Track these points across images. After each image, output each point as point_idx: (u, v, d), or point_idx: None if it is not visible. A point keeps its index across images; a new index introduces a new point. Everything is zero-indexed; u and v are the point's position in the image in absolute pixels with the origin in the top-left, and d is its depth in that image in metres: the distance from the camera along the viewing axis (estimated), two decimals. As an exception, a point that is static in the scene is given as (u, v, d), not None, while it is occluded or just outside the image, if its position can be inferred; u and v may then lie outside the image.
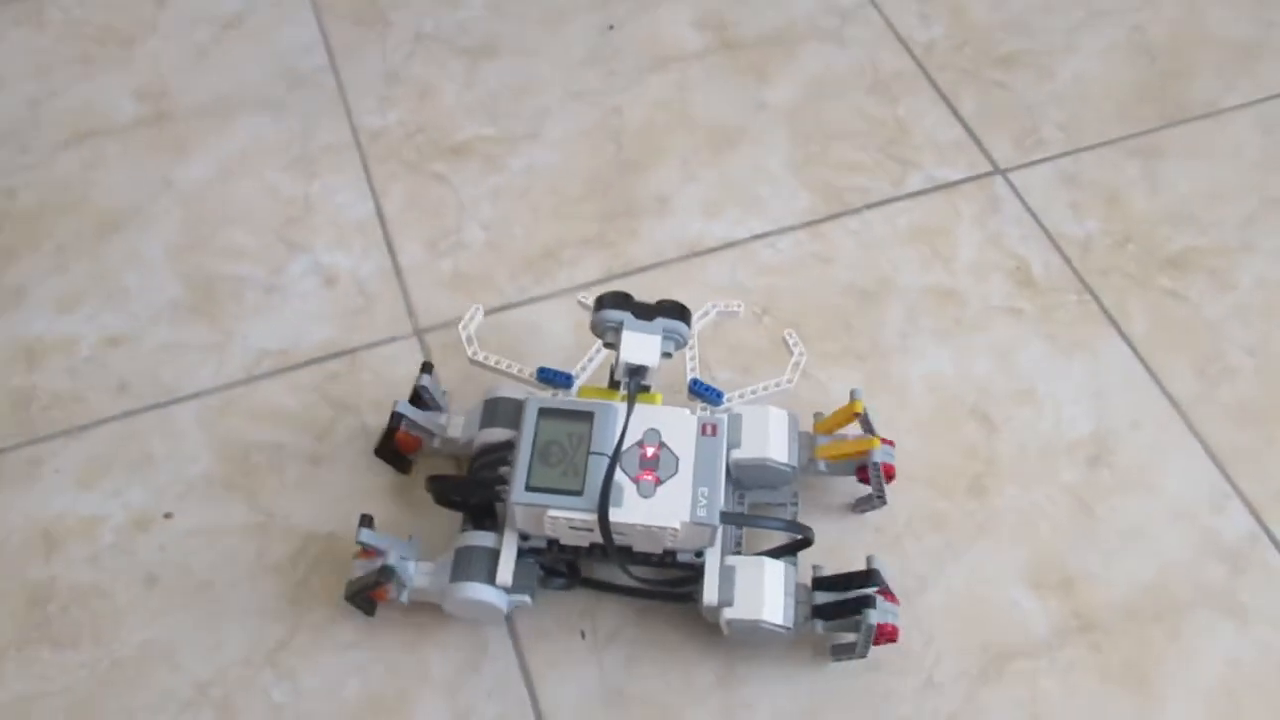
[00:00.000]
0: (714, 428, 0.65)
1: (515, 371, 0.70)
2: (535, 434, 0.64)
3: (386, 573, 0.63)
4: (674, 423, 0.65)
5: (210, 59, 0.96)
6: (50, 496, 0.73)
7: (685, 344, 0.68)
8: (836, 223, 0.87)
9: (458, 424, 0.71)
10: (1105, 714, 0.66)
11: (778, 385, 0.71)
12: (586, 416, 0.64)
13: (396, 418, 0.69)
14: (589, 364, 0.71)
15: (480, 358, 0.70)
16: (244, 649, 0.67)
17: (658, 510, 0.62)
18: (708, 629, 0.68)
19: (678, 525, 0.61)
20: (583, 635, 0.68)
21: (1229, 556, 0.72)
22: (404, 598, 0.65)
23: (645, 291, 0.82)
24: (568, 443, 0.64)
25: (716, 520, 0.62)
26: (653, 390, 0.68)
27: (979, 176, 0.90)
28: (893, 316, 0.82)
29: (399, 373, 0.78)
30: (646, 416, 0.65)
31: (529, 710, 0.66)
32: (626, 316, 0.66)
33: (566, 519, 0.62)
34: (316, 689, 0.66)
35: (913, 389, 0.78)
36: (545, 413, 0.65)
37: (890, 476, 0.70)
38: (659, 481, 0.63)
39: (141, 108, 0.93)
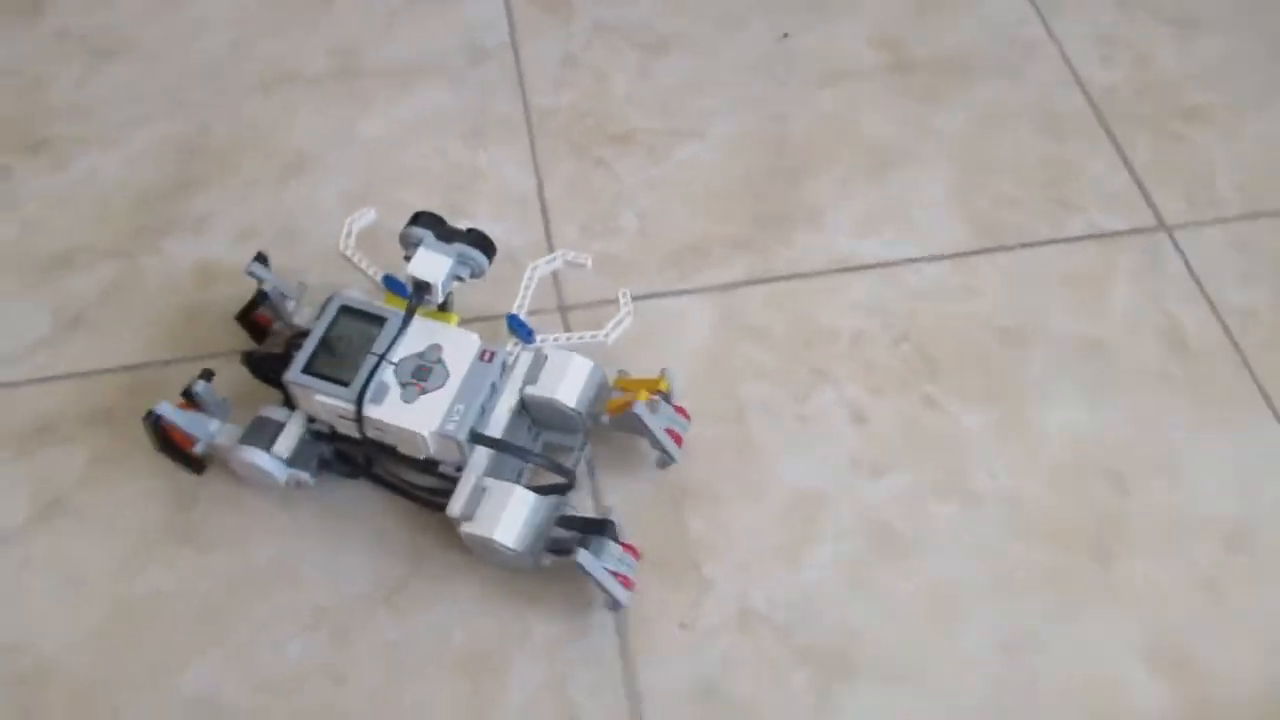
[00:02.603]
0: (492, 355, 0.69)
1: (371, 274, 0.75)
2: (330, 326, 0.69)
3: (151, 415, 0.70)
4: (457, 343, 0.69)
5: (399, 25, 1.01)
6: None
7: (480, 273, 0.71)
8: (988, 257, 0.86)
9: (304, 314, 0.77)
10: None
11: (594, 337, 0.74)
12: (379, 321, 0.69)
13: (261, 295, 0.75)
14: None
15: (348, 253, 0.76)
16: (365, 583, 0.71)
17: (412, 415, 0.66)
18: (806, 640, 0.68)
19: (426, 433, 0.66)
20: (683, 625, 0.69)
21: (1366, 661, 0.69)
22: (200, 449, 0.72)
23: (788, 301, 0.83)
24: (356, 340, 0.69)
25: (462, 436, 0.66)
26: (451, 312, 0.72)
27: (1143, 230, 0.88)
28: (1035, 361, 0.81)
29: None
30: (433, 332, 0.70)
31: (620, 688, 0.67)
32: (427, 235, 0.70)
33: (332, 405, 0.67)
34: (425, 633, 0.69)
35: (1046, 438, 0.77)
36: (345, 310, 0.70)
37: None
38: (424, 391, 0.67)
39: (332, 63, 0.98)
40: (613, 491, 0.74)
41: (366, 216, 0.77)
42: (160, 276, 0.85)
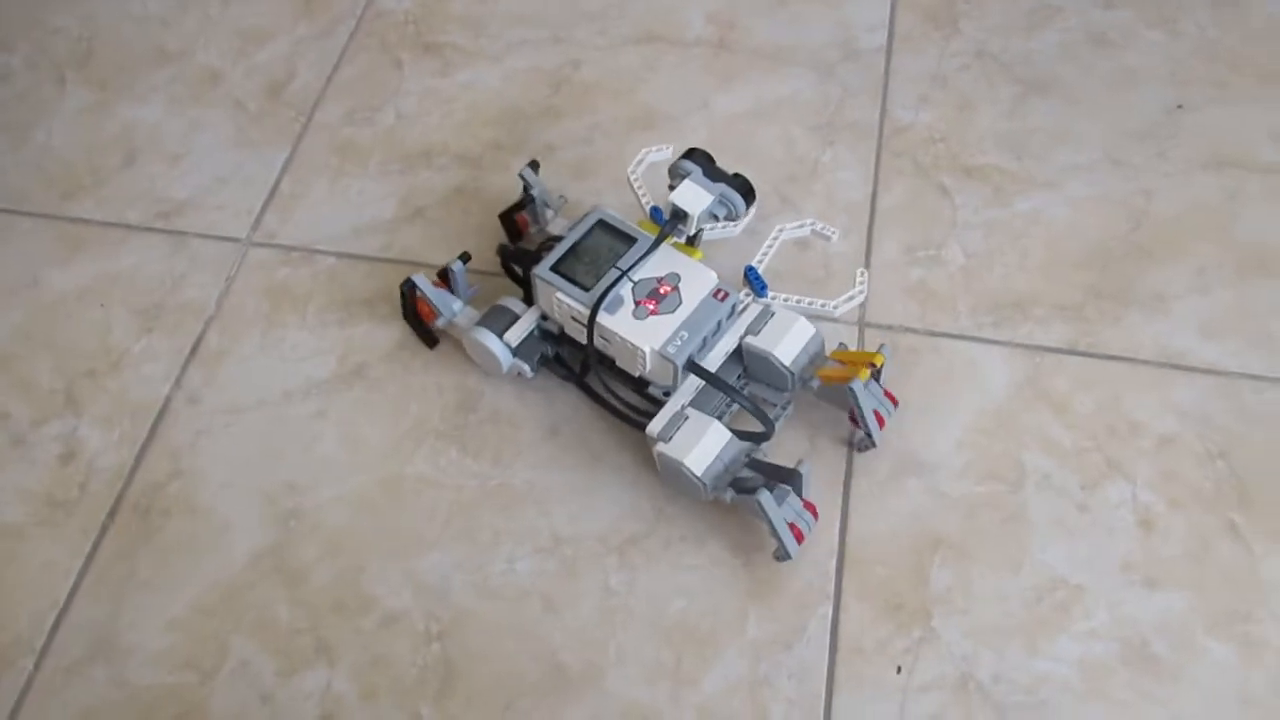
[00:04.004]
0: (725, 295, 0.71)
1: (644, 201, 0.82)
2: (585, 235, 0.73)
3: (408, 282, 0.77)
4: (695, 276, 0.72)
5: (784, 9, 1.01)
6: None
7: (736, 216, 0.75)
8: (1347, 398, 0.77)
9: (559, 223, 0.83)
10: None
11: (823, 305, 0.78)
12: (630, 240, 0.73)
13: (528, 198, 0.81)
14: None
15: (632, 177, 0.82)
16: (603, 528, 0.73)
17: (639, 331, 0.69)
18: (1023, 731, 0.64)
19: (648, 349, 0.69)
20: (898, 670, 0.67)
21: None
22: (440, 324, 0.78)
23: (1101, 382, 0.78)
24: (604, 253, 0.72)
25: (680, 361, 0.69)
26: (698, 248, 0.76)
27: None
28: (1370, 523, 0.72)
29: (831, 346, 0.79)
30: (675, 261, 0.72)
31: (820, 708, 0.66)
32: (696, 170, 0.74)
33: (569, 305, 0.70)
34: (646, 591, 0.70)
35: (1360, 608, 0.68)
36: (601, 224, 0.73)
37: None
38: (655, 313, 0.70)
39: (709, 31, 1.00)
40: (863, 521, 0.73)
41: (662, 152, 0.83)
42: (498, 192, 0.90)
